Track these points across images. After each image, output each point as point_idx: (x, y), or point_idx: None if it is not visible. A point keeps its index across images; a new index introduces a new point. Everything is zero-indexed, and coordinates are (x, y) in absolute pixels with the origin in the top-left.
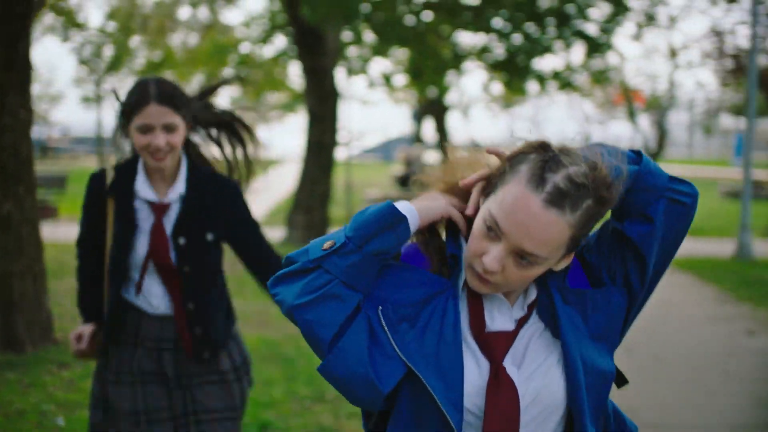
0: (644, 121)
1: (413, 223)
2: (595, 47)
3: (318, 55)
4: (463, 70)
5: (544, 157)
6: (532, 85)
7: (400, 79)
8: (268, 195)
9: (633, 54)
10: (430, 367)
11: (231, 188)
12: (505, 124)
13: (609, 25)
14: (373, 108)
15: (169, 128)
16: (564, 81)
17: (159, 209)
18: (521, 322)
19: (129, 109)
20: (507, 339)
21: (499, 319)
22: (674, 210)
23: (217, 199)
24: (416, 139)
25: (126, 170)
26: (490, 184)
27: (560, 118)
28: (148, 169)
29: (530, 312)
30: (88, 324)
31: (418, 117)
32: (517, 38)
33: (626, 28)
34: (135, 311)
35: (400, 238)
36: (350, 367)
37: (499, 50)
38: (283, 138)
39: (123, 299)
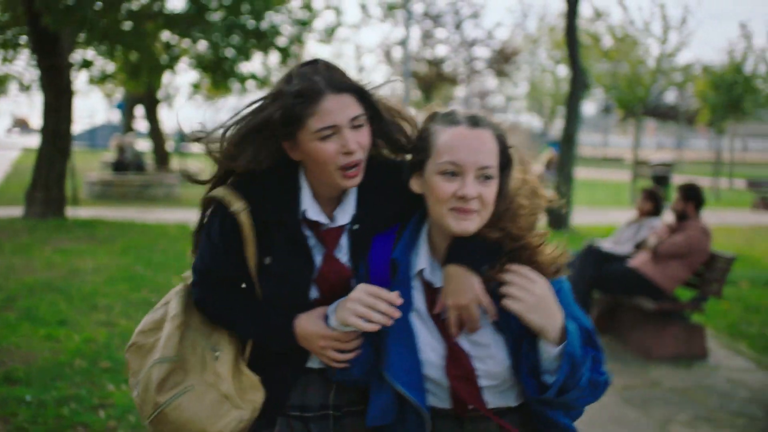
0: None
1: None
2: (286, 55)
3: (54, 55)
4: (177, 70)
5: (442, 113)
6: (235, 84)
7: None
8: None
9: (325, 54)
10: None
11: None
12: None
13: (295, 38)
14: (79, 98)
15: None
16: (261, 81)
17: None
18: None
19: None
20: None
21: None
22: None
23: None
24: (127, 127)
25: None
26: (418, 164)
27: None
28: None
29: None
30: None
31: (128, 107)
32: (223, 45)
33: (314, 36)
34: None
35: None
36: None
37: (207, 53)
38: None
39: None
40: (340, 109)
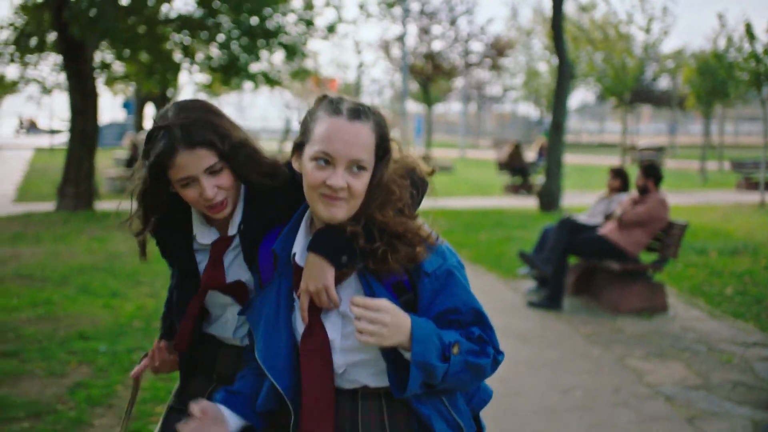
0: None
1: None
2: (292, 53)
3: (80, 61)
4: (192, 71)
5: (329, 99)
6: (246, 83)
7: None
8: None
9: (326, 47)
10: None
11: None
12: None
13: (302, 37)
14: None
15: None
16: (271, 80)
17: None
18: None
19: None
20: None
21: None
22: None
23: None
24: (138, 126)
25: None
26: (299, 145)
27: (263, 105)
28: None
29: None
30: None
31: (138, 106)
32: (234, 47)
33: (317, 33)
34: None
35: None
36: None
37: (221, 56)
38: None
39: None
40: (192, 162)
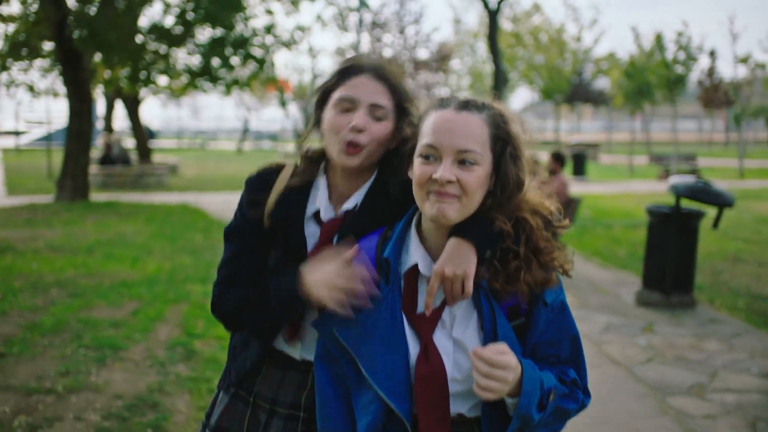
0: (293, 107)
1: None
2: (261, 63)
3: (78, 69)
4: (172, 76)
5: (440, 97)
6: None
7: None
8: None
9: (281, 56)
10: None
11: None
12: (173, 110)
13: (270, 47)
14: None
15: None
16: (242, 85)
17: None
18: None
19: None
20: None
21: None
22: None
23: None
24: (108, 126)
25: None
26: (411, 150)
27: (217, 105)
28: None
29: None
30: None
31: (108, 107)
32: (208, 56)
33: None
34: None
35: None
36: None
37: (197, 64)
38: None
39: None
40: (368, 88)
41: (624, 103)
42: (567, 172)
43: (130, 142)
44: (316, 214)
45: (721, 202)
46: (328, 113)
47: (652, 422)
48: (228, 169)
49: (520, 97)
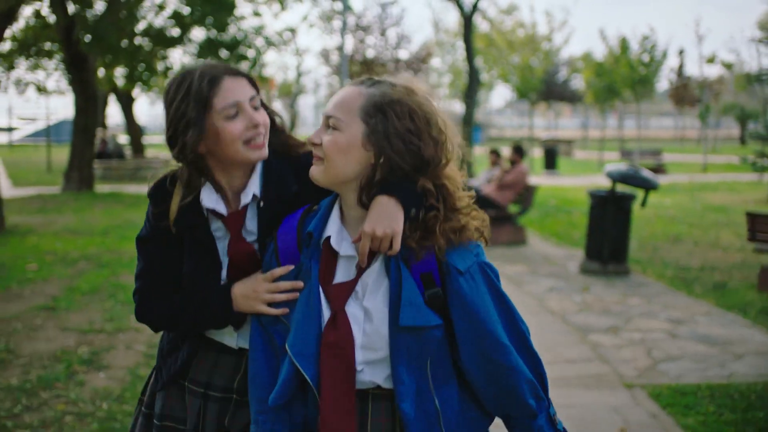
0: (278, 104)
1: None
2: (253, 63)
3: (84, 70)
4: (168, 75)
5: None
6: None
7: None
8: None
9: (270, 57)
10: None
11: None
12: (160, 107)
13: (260, 48)
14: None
15: None
16: None
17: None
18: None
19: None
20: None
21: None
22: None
23: None
24: (102, 122)
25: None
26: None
27: None
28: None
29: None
30: None
31: (101, 103)
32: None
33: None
34: None
35: None
36: None
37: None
38: None
39: None
40: (239, 87)
41: (594, 101)
42: (538, 166)
43: (122, 138)
44: (213, 211)
45: (647, 185)
46: (218, 123)
47: (573, 349)
48: None
49: (500, 96)
